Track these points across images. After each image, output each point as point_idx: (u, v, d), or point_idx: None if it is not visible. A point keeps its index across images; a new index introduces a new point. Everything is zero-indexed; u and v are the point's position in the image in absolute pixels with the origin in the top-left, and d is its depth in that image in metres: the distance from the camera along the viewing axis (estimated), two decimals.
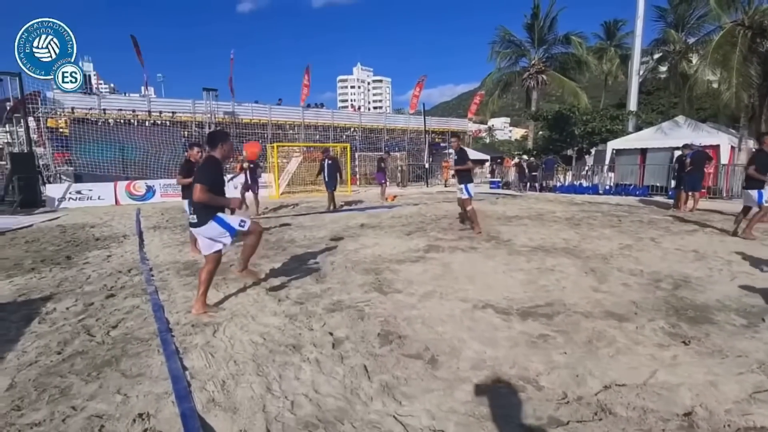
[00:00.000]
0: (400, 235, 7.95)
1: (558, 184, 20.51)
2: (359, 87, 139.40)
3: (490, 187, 22.69)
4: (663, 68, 22.69)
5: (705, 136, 16.03)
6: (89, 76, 17.06)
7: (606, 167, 18.40)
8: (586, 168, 20.53)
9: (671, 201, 14.41)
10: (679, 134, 16.86)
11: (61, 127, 19.25)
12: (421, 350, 3.14)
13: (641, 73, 21.52)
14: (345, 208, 12.69)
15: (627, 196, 16.37)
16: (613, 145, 18.26)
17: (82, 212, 13.95)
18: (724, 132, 16.01)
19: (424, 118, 24.38)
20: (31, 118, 17.64)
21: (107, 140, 19.47)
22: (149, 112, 21.02)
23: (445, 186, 24.05)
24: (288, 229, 9.16)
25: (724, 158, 15.17)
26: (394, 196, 15.79)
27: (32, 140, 17.59)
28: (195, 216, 3.91)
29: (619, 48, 31.60)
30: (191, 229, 4.09)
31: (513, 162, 23.39)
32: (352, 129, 27.94)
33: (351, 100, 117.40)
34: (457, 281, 4.88)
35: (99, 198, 16.85)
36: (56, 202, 16.01)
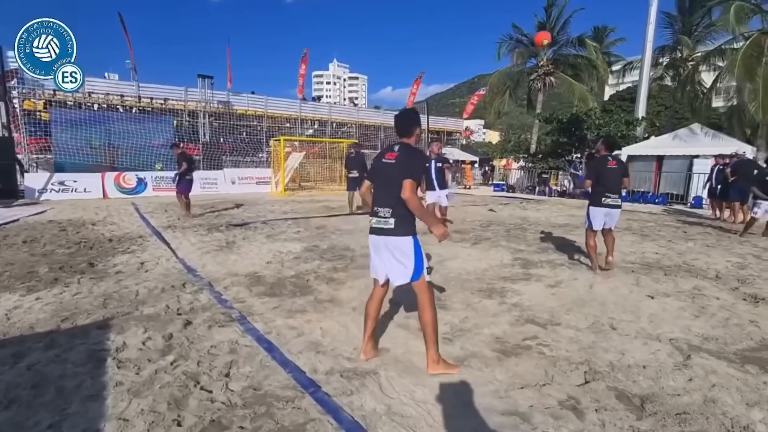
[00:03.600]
0: (467, 245, 7.13)
1: (564, 188, 20.22)
2: (335, 83, 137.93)
3: (494, 190, 22.19)
4: (668, 76, 22.73)
5: (725, 145, 15.93)
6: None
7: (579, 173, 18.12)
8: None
9: (695, 210, 14.28)
10: (696, 142, 16.74)
11: (39, 111, 17.40)
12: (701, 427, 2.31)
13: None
14: (360, 211, 11.67)
15: (646, 203, 16.10)
16: (628, 151, 17.97)
17: (70, 206, 12.42)
18: (742, 142, 15.96)
19: (428, 117, 23.62)
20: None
21: (91, 126, 17.76)
22: (139, 97, 19.34)
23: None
24: (330, 234, 8.17)
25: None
26: None
27: (4, 124, 15.74)
28: (393, 220, 2.79)
29: (606, 55, 31.80)
30: (376, 236, 2.87)
31: (518, 165, 22.95)
32: (349, 125, 26.89)
33: (327, 96, 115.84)
34: (608, 309, 4.09)
35: (85, 190, 15.25)
36: (36, 194, 14.34)
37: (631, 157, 18.01)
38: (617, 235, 6.51)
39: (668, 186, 16.94)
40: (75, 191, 15.02)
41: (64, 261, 5.86)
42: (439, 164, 8.08)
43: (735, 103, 16.87)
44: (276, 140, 18.75)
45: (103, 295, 4.42)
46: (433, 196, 8.07)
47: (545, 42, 8.83)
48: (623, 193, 5.72)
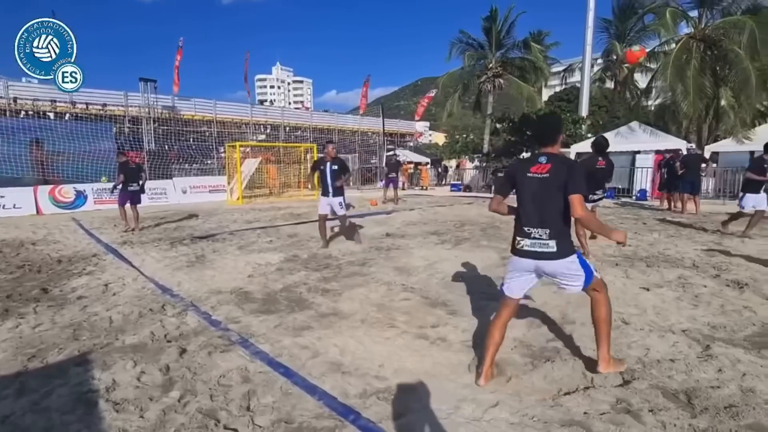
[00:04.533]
0: (449, 246, 7.07)
1: None
2: (279, 87, 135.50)
3: (452, 190, 22.55)
4: (606, 77, 24.20)
5: (664, 141, 17.14)
6: None
7: None
8: None
9: (642, 203, 15.21)
10: (636, 139, 17.88)
11: None
12: None
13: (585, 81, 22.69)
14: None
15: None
16: (576, 148, 18.88)
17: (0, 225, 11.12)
18: (677, 138, 17.22)
19: (383, 120, 23.61)
20: None
21: (18, 135, 16.08)
22: (73, 102, 17.79)
23: (404, 188, 23.56)
24: (306, 242, 7.84)
25: None
26: (375, 201, 14.77)
27: None
28: (554, 242, 2.56)
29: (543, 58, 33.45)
30: (530, 260, 2.64)
31: (473, 165, 23.48)
32: (303, 128, 26.33)
33: (270, 101, 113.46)
34: (612, 303, 4.13)
35: (15, 206, 13.74)
36: None
37: (579, 154, 18.94)
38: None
39: (614, 180, 17.94)
40: (4, 207, 13.51)
41: (11, 288, 5.16)
42: (335, 167, 6.90)
43: (668, 102, 18.16)
44: (231, 145, 17.94)
45: (70, 325, 3.89)
46: (324, 203, 7.11)
47: (641, 59, 8.51)
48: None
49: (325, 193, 7.05)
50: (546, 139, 2.72)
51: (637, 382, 2.68)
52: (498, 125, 21.74)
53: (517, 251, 2.69)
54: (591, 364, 2.87)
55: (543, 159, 2.65)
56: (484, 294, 4.51)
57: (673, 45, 17.32)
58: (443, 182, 31.27)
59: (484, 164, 22.84)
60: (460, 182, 23.80)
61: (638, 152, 17.29)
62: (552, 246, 2.57)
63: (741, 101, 15.90)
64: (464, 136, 50.26)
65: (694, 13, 17.06)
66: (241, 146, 17.36)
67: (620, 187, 17.62)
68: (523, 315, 3.87)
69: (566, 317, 3.82)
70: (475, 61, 23.70)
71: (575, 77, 26.20)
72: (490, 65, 23.33)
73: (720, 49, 16.07)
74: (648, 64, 21.55)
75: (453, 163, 42.31)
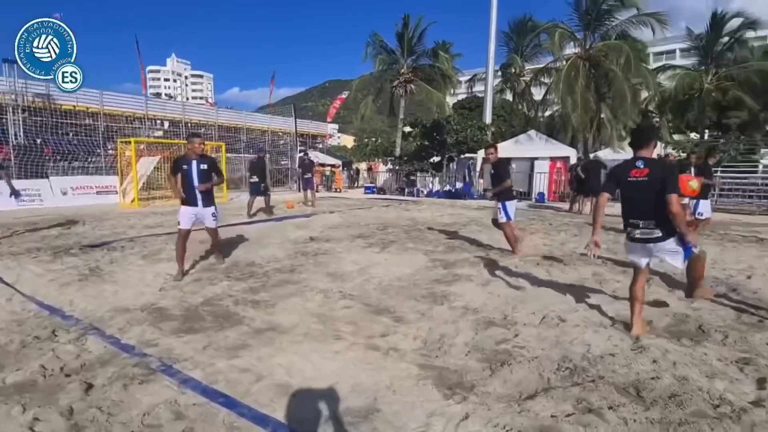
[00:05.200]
0: (377, 250, 6.97)
1: (426, 189, 21.71)
2: (175, 80, 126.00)
3: (366, 192, 22.63)
4: (506, 89, 26.16)
5: (557, 149, 18.91)
6: None
7: (477, 174, 20.14)
8: (454, 175, 22.19)
9: (541, 205, 16.61)
10: (533, 146, 19.50)
11: None
12: None
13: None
14: (253, 219, 10.72)
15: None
16: (483, 153, 20.07)
17: None
18: (572, 146, 19.13)
19: (295, 120, 22.90)
20: None
21: None
22: None
23: (317, 190, 23.15)
24: (224, 247, 7.19)
25: None
26: (292, 204, 14.21)
27: None
28: (659, 230, 3.22)
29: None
30: (644, 244, 3.35)
31: (386, 168, 23.80)
32: (207, 126, 24.52)
33: (168, 94, 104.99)
34: (546, 302, 4.32)
35: None
36: None
37: (485, 160, 20.15)
38: (526, 230, 7.08)
39: (516, 185, 19.37)
40: None
41: None
42: (204, 166, 5.31)
43: (558, 113, 20.13)
44: (123, 141, 16.04)
45: None
46: (187, 215, 5.30)
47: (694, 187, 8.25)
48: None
49: (190, 202, 5.32)
50: (642, 143, 3.29)
51: (597, 380, 2.76)
52: (410, 130, 22.29)
53: (631, 239, 3.41)
54: (532, 368, 2.91)
55: (640, 164, 3.23)
56: (424, 298, 4.44)
57: (564, 62, 19.24)
58: (355, 185, 31.34)
59: (397, 167, 23.27)
60: (373, 185, 23.99)
61: (536, 159, 18.87)
62: (658, 233, 3.23)
63: (618, 116, 18.18)
64: (374, 139, 50.82)
65: (580, 35, 19.13)
66: (136, 143, 15.58)
67: (521, 190, 19.09)
68: (467, 318, 3.86)
69: (508, 317, 3.89)
70: (388, 65, 24.11)
71: (479, 87, 27.95)
72: (402, 71, 23.90)
73: (601, 69, 18.21)
74: (542, 79, 23.74)
75: (363, 165, 42.67)
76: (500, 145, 20.19)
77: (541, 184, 18.42)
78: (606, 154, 18.99)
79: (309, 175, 14.49)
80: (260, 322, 3.80)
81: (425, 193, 21.08)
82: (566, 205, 14.30)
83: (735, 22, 21.26)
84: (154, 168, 17.10)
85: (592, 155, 14.32)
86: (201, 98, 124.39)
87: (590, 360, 3.06)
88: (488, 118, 23.04)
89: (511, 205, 6.44)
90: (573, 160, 18.35)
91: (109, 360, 3.09)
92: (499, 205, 6.44)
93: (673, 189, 3.08)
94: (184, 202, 5.37)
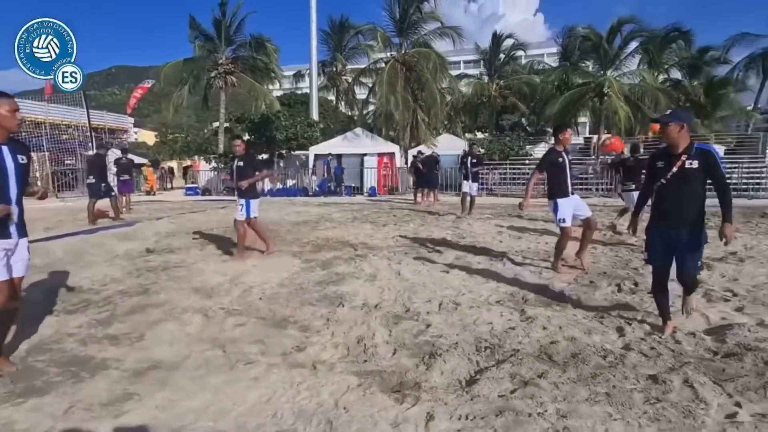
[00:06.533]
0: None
1: (263, 188, 20.76)
2: None
3: (187, 194, 20.33)
4: (331, 86, 26.66)
5: (383, 145, 20.21)
6: None
7: (311, 171, 20.11)
8: (284, 172, 21.68)
9: (375, 198, 17.56)
10: (361, 143, 20.48)
11: None
12: None
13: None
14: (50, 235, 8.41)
15: (341, 196, 18.42)
16: (314, 150, 20.11)
17: None
18: (394, 142, 20.65)
19: (88, 110, 18.84)
20: None
21: None
22: None
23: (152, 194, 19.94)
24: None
25: (399, 163, 19.66)
26: (106, 212, 11.69)
27: None
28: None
29: None
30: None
31: (210, 166, 21.78)
32: None
33: None
34: (435, 289, 4.56)
35: None
36: None
37: (317, 156, 20.28)
38: (359, 226, 7.29)
39: (349, 179, 20.08)
40: None
41: None
42: (23, 158, 2.87)
43: (381, 111, 21.57)
44: None
45: None
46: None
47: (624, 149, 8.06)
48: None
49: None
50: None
51: (513, 356, 3.01)
52: (237, 125, 20.84)
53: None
54: (459, 354, 3.06)
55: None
56: (320, 302, 4.21)
57: (384, 64, 20.66)
58: (169, 186, 27.80)
59: (222, 165, 21.53)
60: (196, 185, 21.74)
61: (365, 155, 19.85)
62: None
63: (431, 116, 20.48)
64: (184, 135, 45.79)
65: (396, 40, 20.79)
66: None
67: (353, 185, 19.84)
68: (373, 316, 3.80)
69: (410, 309, 3.98)
70: (208, 52, 21.94)
71: (303, 83, 27.87)
72: (221, 60, 22.09)
73: (415, 73, 20.18)
74: (361, 79, 25.03)
75: (174, 164, 38.11)
76: (329, 142, 20.72)
77: (371, 178, 19.47)
78: (422, 150, 21.20)
79: (127, 176, 12.25)
80: (133, 361, 3.01)
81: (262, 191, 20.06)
82: (398, 197, 15.44)
83: (509, 42, 26.22)
84: None
85: (429, 151, 15.73)
86: None
87: (498, 337, 3.35)
88: (315, 115, 23.22)
89: (255, 204, 6.05)
90: (398, 157, 19.98)
91: None
92: (242, 201, 5.94)
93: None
94: None
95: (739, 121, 26.70)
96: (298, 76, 27.44)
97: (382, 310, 3.94)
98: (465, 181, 10.63)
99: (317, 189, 19.14)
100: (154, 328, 3.56)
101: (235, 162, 6.28)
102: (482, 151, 14.45)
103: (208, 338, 3.36)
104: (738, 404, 2.37)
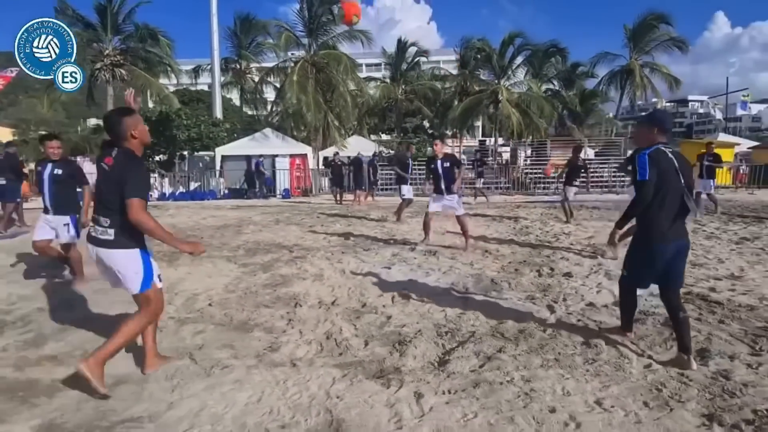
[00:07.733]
0: (170, 264, 5.90)
1: (156, 192, 19.14)
2: None
3: None
4: (236, 84, 25.45)
5: (294, 146, 19.92)
6: None
7: (218, 173, 19.07)
8: (185, 174, 20.27)
9: (289, 200, 17.22)
10: (271, 143, 19.95)
11: None
12: None
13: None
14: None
15: (250, 199, 17.72)
16: (221, 151, 19.12)
17: None
18: (306, 144, 20.44)
19: None
20: None
21: None
22: None
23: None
24: None
25: (312, 164, 19.54)
26: None
27: None
28: None
29: None
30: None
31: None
32: None
33: None
34: (384, 285, 4.79)
35: None
36: None
37: (225, 158, 19.34)
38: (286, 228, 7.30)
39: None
40: None
41: None
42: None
43: (291, 112, 21.23)
44: None
45: None
46: None
47: (355, 19, 7.44)
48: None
49: None
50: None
51: (475, 335, 3.37)
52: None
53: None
54: (430, 338, 3.36)
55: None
56: (275, 303, 4.21)
57: (293, 64, 20.36)
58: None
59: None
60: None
61: (276, 156, 19.38)
62: None
63: (342, 119, 20.69)
64: (57, 133, 40.11)
65: (305, 40, 20.60)
66: None
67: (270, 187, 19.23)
68: (334, 313, 3.93)
69: (367, 304, 4.17)
70: (87, 42, 19.55)
71: (202, 79, 26.26)
72: (107, 52, 19.90)
73: (325, 74, 20.23)
74: (268, 79, 24.33)
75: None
76: (237, 143, 19.86)
77: (284, 180, 19.08)
78: (332, 150, 21.33)
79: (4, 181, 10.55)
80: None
81: (155, 196, 18.42)
82: (313, 199, 15.39)
83: (413, 50, 27.51)
84: None
85: (356, 153, 15.89)
86: None
87: (454, 322, 3.70)
88: (219, 113, 22.08)
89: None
90: (311, 158, 19.86)
91: None
92: (66, 219, 4.72)
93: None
94: None
95: (608, 128, 31.19)
96: (198, 71, 25.73)
97: (340, 307, 4.08)
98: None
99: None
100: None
101: (48, 169, 4.66)
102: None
103: (168, 348, 3.20)
104: (650, 357, 2.97)
